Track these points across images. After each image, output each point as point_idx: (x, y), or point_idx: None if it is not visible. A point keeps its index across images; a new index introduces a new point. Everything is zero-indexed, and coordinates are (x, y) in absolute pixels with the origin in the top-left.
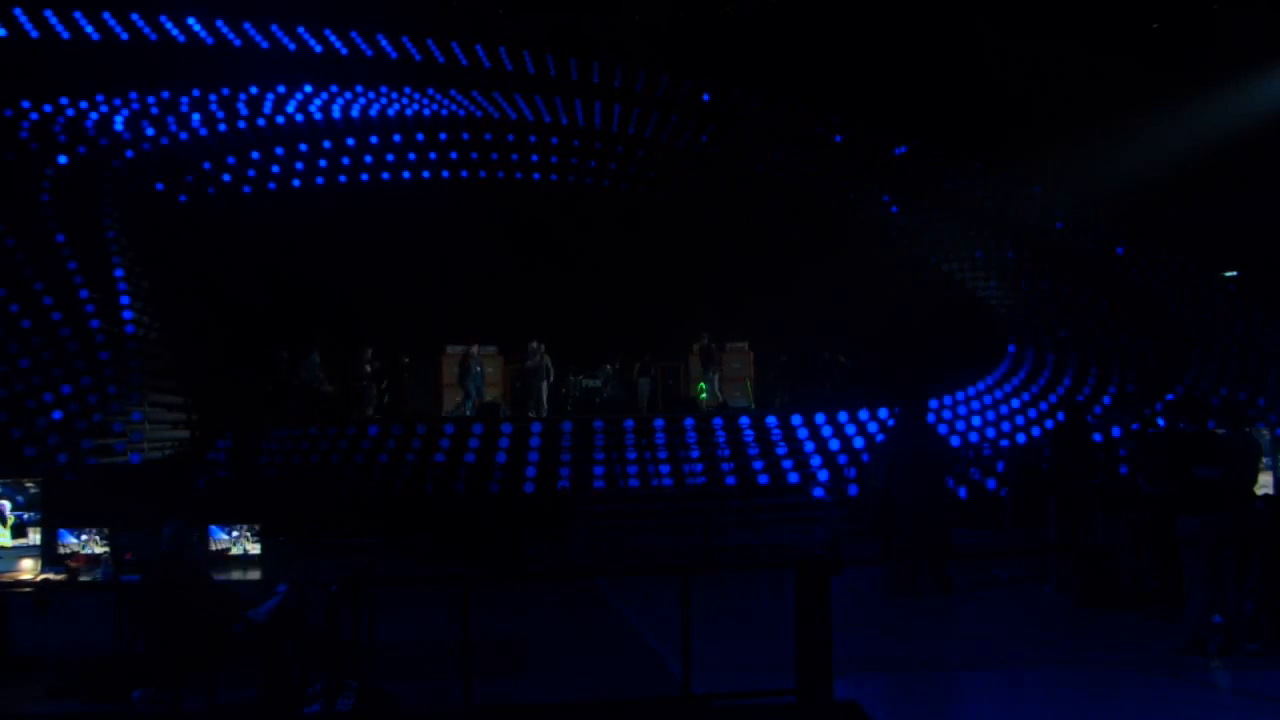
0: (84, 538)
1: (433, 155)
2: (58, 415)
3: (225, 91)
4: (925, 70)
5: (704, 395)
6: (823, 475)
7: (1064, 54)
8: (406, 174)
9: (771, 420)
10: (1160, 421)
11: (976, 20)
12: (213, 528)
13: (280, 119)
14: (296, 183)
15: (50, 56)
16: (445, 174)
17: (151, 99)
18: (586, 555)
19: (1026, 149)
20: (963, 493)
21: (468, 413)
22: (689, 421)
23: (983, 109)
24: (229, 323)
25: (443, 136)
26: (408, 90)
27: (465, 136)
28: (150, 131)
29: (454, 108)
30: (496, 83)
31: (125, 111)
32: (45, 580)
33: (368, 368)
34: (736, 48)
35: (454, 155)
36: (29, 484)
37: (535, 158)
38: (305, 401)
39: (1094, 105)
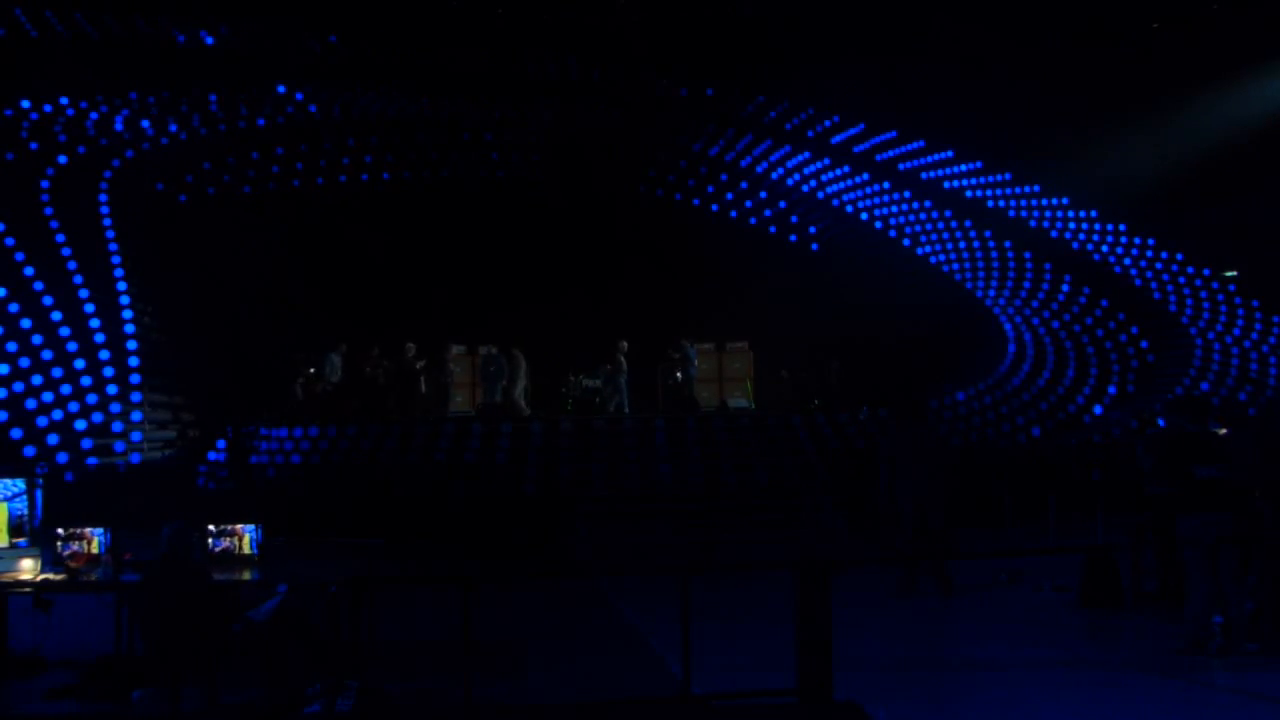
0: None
1: (433, 155)
2: (58, 415)
3: (225, 91)
4: (925, 70)
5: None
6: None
7: (1065, 52)
8: (407, 173)
9: (772, 420)
10: (1160, 421)
11: (977, 17)
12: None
13: (280, 119)
14: (296, 182)
15: (50, 56)
16: (445, 173)
17: (151, 99)
18: (587, 555)
19: (1027, 148)
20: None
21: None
22: (690, 422)
23: (983, 107)
24: (228, 322)
25: (443, 137)
26: (408, 90)
27: (465, 137)
28: (150, 131)
29: (454, 107)
30: (496, 82)
31: (125, 111)
32: (45, 580)
33: (453, 368)
34: (745, 50)
35: (454, 155)
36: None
37: (536, 157)
38: (326, 399)
39: (1095, 104)
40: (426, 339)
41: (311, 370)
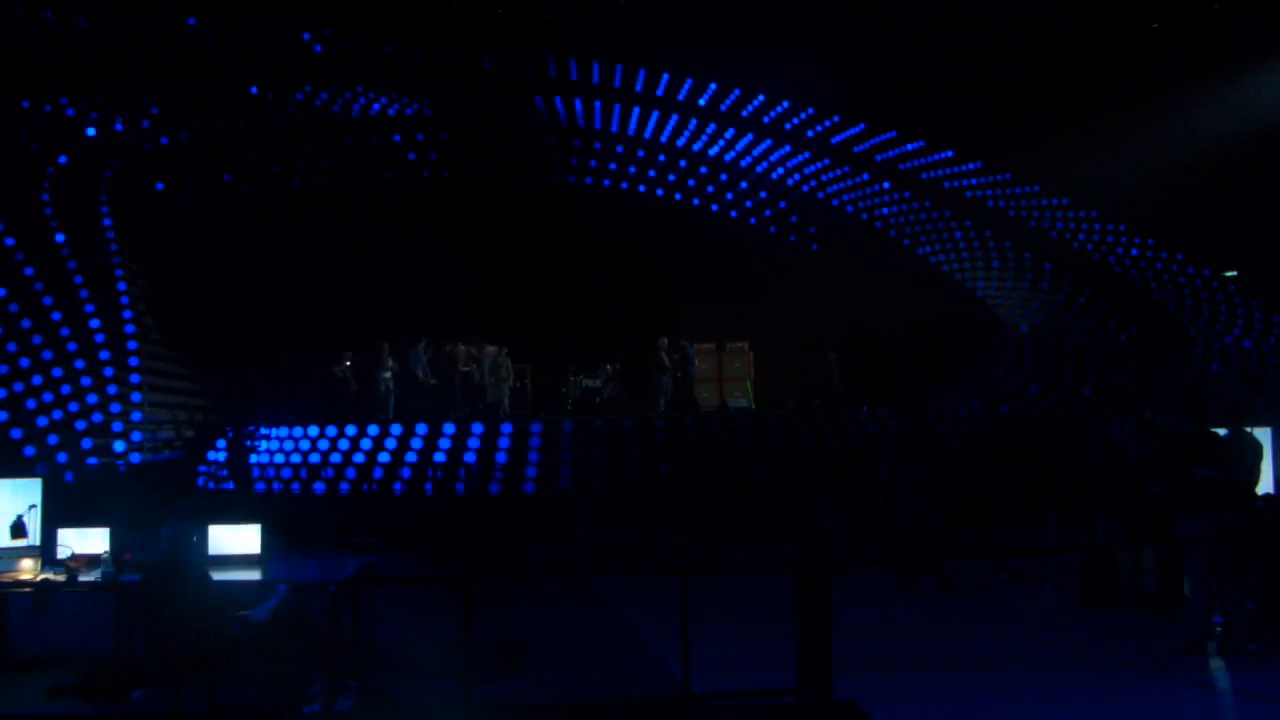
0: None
1: (433, 155)
2: (58, 415)
3: (224, 92)
4: (925, 69)
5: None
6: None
7: (1065, 52)
8: (407, 173)
9: (772, 420)
10: (1160, 421)
11: (978, 15)
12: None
13: (280, 119)
14: (296, 182)
15: (50, 56)
16: (445, 173)
17: (151, 99)
18: (587, 555)
19: (1027, 148)
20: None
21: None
22: (690, 422)
23: (983, 107)
24: (228, 321)
25: (443, 136)
26: (408, 89)
27: (466, 136)
28: (150, 131)
29: (455, 107)
30: (499, 82)
31: (125, 111)
32: (45, 580)
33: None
34: (745, 48)
35: (453, 154)
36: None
37: (538, 158)
38: (410, 395)
39: (1095, 104)
40: (428, 338)
41: (344, 366)
